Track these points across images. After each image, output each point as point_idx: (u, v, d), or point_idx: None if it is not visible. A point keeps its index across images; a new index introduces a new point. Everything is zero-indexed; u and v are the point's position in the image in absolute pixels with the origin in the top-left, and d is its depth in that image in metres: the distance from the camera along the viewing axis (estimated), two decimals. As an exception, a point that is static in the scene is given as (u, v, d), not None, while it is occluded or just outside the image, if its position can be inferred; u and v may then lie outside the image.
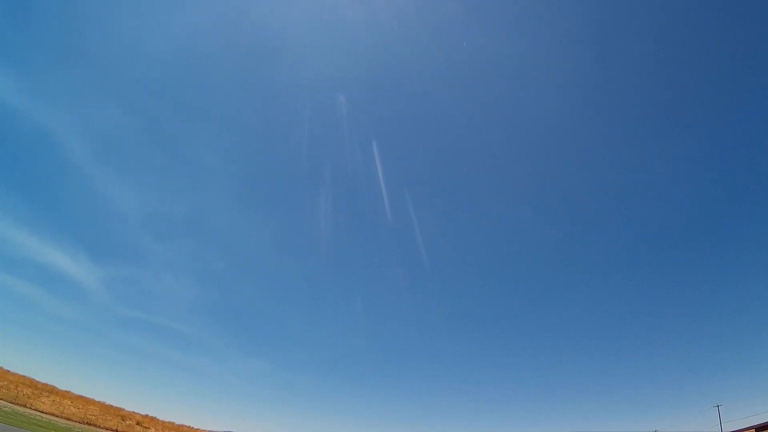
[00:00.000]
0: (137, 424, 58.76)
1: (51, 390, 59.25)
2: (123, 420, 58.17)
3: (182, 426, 68.31)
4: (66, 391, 61.92)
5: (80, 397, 62.76)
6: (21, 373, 59.79)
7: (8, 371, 57.05)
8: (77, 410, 55.09)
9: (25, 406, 46.60)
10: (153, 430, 58.85)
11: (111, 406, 64.18)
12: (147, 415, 65.08)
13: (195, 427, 72.04)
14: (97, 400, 64.81)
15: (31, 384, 56.80)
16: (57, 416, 49.44)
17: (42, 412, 47.81)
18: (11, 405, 43.93)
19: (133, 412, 64.66)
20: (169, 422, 66.35)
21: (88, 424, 51.70)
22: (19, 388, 51.20)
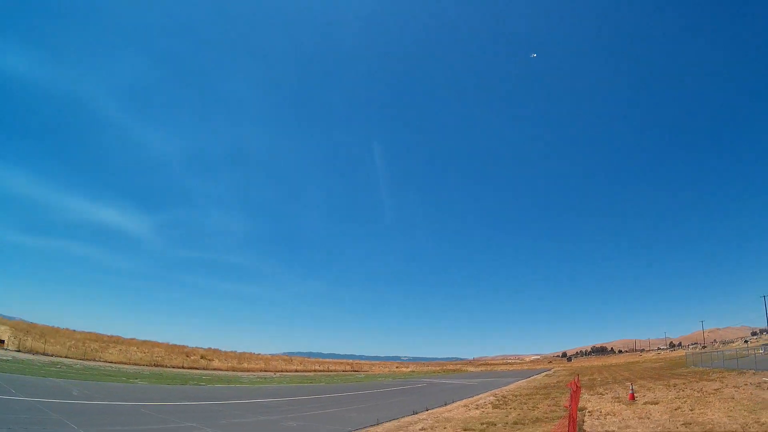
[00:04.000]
0: (201, 357, 63.27)
1: (117, 340, 63.75)
2: (187, 356, 62.68)
3: (244, 353, 73.52)
4: (131, 339, 66.62)
5: (145, 342, 67.52)
6: (87, 330, 64.13)
7: (74, 330, 61.25)
8: (144, 355, 59.34)
9: (94, 359, 50.09)
10: (216, 361, 63.32)
11: (175, 346, 69.12)
12: (210, 349, 70.07)
13: (256, 353, 77.50)
14: (161, 342, 69.77)
15: (98, 338, 61.05)
16: (125, 363, 53.28)
17: (111, 362, 51.45)
18: (81, 361, 47.16)
19: (197, 347, 69.71)
20: (231, 351, 71.40)
21: (155, 365, 55.80)
22: (86, 344, 54.92)
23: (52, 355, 44.38)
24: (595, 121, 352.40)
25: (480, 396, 32.99)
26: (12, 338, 43.31)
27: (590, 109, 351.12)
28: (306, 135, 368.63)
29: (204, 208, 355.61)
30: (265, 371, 65.70)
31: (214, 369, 58.93)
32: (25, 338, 45.03)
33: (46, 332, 51.30)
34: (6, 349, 40.92)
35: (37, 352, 43.59)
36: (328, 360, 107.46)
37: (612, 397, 25.59)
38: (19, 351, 41.97)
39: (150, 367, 54.14)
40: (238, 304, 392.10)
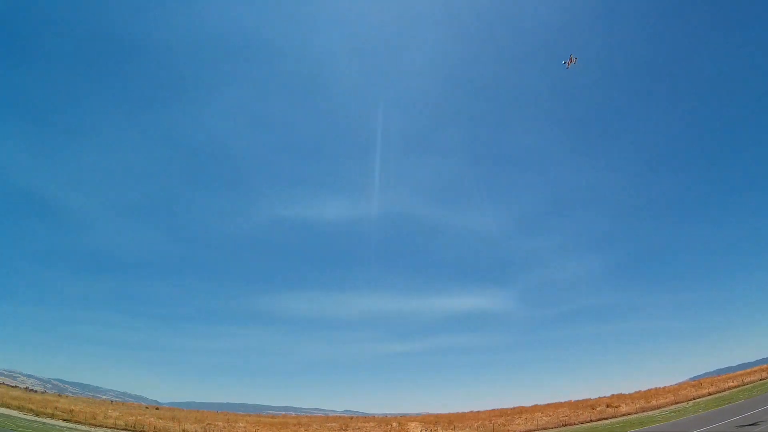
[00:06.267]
0: (607, 406, 55.47)
1: (520, 410, 63.50)
2: (593, 409, 56.06)
3: (649, 390, 61.17)
4: (533, 406, 65.29)
5: (548, 405, 65.08)
6: (490, 408, 66.63)
7: (479, 411, 64.53)
8: (550, 418, 56.33)
9: (503, 434, 49.99)
10: (623, 406, 54.06)
11: (578, 401, 63.92)
12: (614, 395, 61.55)
13: (662, 386, 63.51)
14: (563, 401, 65.75)
15: (502, 413, 62.52)
16: (533, 431, 51.16)
17: (518, 432, 50.23)
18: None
19: (600, 398, 62.38)
20: (636, 392, 60.52)
21: (563, 425, 51.77)
22: (492, 421, 56.22)
23: (461, 438, 46.72)
24: None
25: None
26: (423, 431, 48.32)
27: None
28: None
29: (557, 260, 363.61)
30: (676, 403, 52.80)
31: (623, 414, 50.24)
32: (435, 429, 49.51)
33: (453, 419, 55.54)
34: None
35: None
36: (741, 372, 78.68)
37: None
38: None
39: (558, 428, 50.45)
40: (624, 343, 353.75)
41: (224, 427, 57.96)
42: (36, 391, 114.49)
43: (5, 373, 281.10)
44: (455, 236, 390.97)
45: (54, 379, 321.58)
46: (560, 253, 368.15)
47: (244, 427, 59.70)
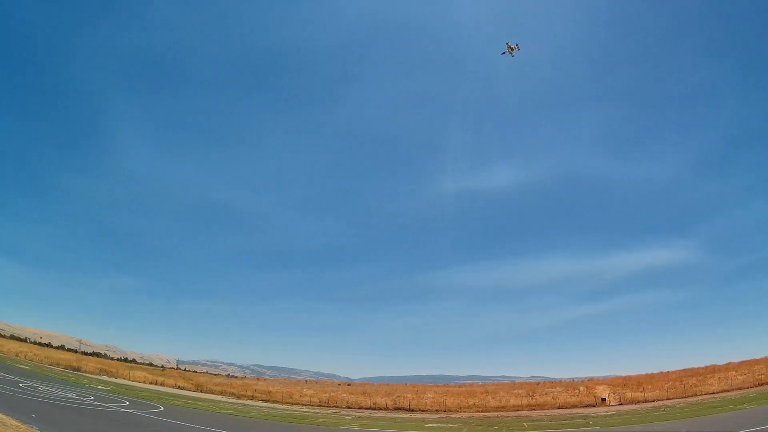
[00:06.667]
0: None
1: (713, 369, 66.33)
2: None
3: None
4: (727, 364, 67.58)
5: (742, 363, 66.52)
6: (680, 368, 70.25)
7: (668, 372, 68.76)
8: (744, 377, 59.03)
9: (694, 395, 55.34)
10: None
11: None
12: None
13: None
14: (758, 358, 66.36)
15: (694, 373, 66.19)
16: (728, 391, 55.03)
17: (712, 393, 55.00)
18: (683, 399, 53.51)
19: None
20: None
21: (759, 384, 54.21)
22: (683, 382, 60.97)
23: (652, 401, 53.30)
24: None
25: None
26: (612, 394, 55.62)
27: None
28: None
29: (736, 198, 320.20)
30: None
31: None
32: (624, 391, 56.46)
33: (641, 381, 61.30)
34: (608, 406, 53.07)
35: (637, 402, 53.75)
36: None
37: None
38: (620, 404, 53.41)
39: (754, 388, 53.09)
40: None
41: (413, 399, 66.08)
42: (236, 377, 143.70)
43: (208, 363, 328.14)
44: (627, 188, 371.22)
45: (252, 365, 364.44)
46: (743, 194, 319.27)
47: (432, 398, 67.72)
